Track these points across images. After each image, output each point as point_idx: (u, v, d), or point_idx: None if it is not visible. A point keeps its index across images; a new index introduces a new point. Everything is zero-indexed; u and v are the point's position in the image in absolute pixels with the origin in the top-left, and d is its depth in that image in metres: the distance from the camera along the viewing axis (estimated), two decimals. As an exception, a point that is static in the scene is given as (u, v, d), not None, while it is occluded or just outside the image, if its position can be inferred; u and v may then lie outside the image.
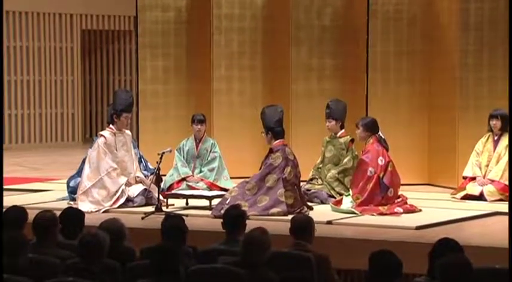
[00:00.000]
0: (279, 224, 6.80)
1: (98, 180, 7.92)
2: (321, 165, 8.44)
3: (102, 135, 8.12)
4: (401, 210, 7.66)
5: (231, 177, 8.75)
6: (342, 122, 8.38)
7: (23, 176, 10.33)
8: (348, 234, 6.89)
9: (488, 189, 8.27)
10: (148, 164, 8.65)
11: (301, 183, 7.94)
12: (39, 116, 14.01)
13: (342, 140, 8.35)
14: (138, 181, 8.12)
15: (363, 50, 9.48)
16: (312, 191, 8.24)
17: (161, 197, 7.78)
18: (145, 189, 8.00)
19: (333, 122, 8.35)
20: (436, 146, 9.46)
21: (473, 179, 8.43)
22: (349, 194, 7.79)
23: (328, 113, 8.38)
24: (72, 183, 8.26)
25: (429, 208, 7.89)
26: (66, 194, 8.32)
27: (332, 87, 9.76)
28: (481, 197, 8.25)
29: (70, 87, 14.16)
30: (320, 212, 7.62)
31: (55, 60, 14.02)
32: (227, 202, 7.50)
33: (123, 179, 8.00)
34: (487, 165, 8.38)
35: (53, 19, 13.98)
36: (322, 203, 8.12)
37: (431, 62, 9.49)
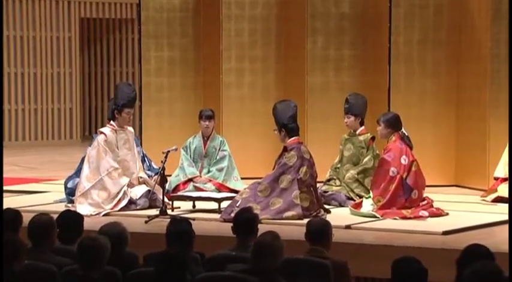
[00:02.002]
0: (294, 229, 6.81)
1: (97, 181, 7.95)
2: (339, 165, 8.44)
3: (102, 132, 8.14)
4: (426, 213, 7.65)
5: (241, 178, 8.76)
6: (361, 118, 8.38)
7: (18, 176, 10.38)
8: (368, 240, 6.89)
9: (522, 191, 8.26)
10: (152, 163, 8.67)
11: (318, 185, 7.94)
12: (35, 111, 14.06)
13: (361, 137, 8.35)
14: (141, 182, 8.15)
15: (385, 39, 9.47)
16: (329, 192, 8.24)
17: (166, 199, 7.80)
18: (149, 190, 8.03)
19: (352, 118, 8.35)
20: (465, 143, 9.44)
21: (505, 179, 8.41)
22: (369, 196, 7.79)
23: (347, 108, 8.38)
24: (70, 184, 8.29)
25: (457, 211, 7.88)
26: (63, 195, 8.36)
27: (351, 80, 9.76)
28: (513, 200, 8.23)
29: (68, 81, 14.21)
30: (338, 216, 7.62)
31: (51, 51, 14.07)
32: (237, 205, 7.51)
33: (125, 180, 8.03)
34: (521, 165, 8.36)
35: (49, 6, 14.02)
36: (341, 205, 8.12)
37: (459, 52, 9.47)
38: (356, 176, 8.21)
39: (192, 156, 8.82)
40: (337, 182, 8.31)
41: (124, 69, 15.06)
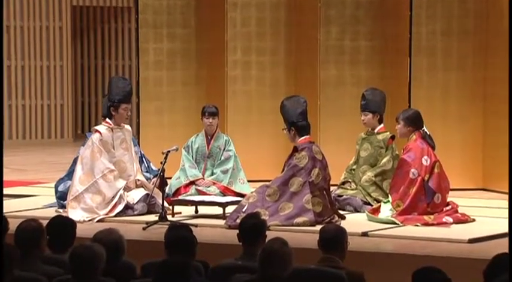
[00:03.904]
0: (305, 236, 6.83)
1: (91, 183, 7.97)
2: (354, 167, 8.45)
3: (96, 130, 8.17)
4: (450, 219, 7.66)
5: (248, 181, 8.77)
6: (380, 115, 8.38)
7: (4, 178, 10.39)
8: (387, 248, 6.90)
9: (555, 195, 8.24)
10: (151, 164, 8.69)
11: (332, 188, 7.95)
12: (22, 108, 14.09)
13: (380, 136, 8.35)
14: (138, 185, 8.17)
15: (405, 29, 9.47)
16: (344, 196, 8.25)
17: (166, 204, 7.82)
18: (147, 194, 8.04)
19: (370, 116, 8.36)
20: (493, 143, 9.43)
21: (536, 182, 8.40)
22: (388, 201, 7.80)
23: (364, 104, 8.38)
24: (61, 188, 8.31)
25: (484, 217, 7.89)
26: (54, 200, 8.38)
27: (368, 73, 9.76)
28: (546, 205, 8.21)
29: (58, 75, 14.24)
30: (354, 222, 7.64)
31: (41, 43, 14.09)
32: (244, 210, 7.53)
33: (121, 183, 8.05)
34: (554, 167, 8.35)
35: (39, -6, 14.05)
36: (356, 211, 8.13)
37: (486, 43, 9.46)
38: (373, 178, 8.21)
39: (194, 156, 8.83)
40: (353, 185, 8.32)
41: (120, 62, 15.08)
